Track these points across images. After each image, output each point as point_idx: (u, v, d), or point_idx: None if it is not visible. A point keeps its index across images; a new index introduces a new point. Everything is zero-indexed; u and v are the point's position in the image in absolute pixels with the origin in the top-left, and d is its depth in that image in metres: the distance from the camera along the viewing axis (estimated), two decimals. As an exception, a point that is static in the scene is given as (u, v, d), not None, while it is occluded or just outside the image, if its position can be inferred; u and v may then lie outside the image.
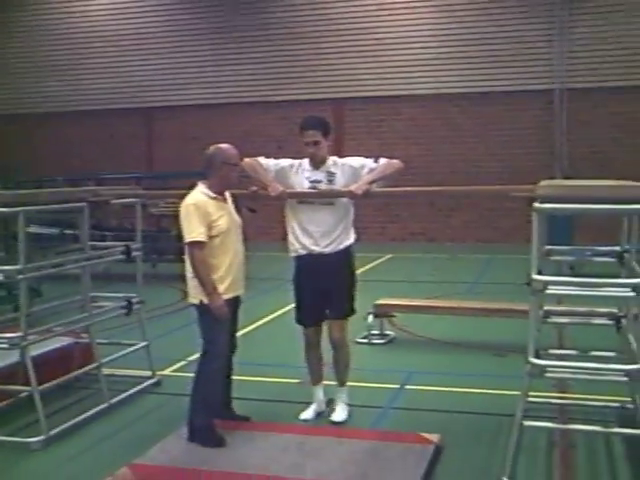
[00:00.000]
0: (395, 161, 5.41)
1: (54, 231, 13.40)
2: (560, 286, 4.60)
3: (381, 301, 8.18)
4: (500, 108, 17.95)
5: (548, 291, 4.31)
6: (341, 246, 5.37)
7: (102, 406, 5.73)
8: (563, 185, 5.13)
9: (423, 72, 18.24)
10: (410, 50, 18.30)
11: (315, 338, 5.55)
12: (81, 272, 6.04)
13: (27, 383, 5.25)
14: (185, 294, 5.12)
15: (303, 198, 5.32)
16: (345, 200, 5.30)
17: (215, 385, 4.99)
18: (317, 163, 5.33)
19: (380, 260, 15.16)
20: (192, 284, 4.91)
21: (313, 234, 5.30)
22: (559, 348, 6.24)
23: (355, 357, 7.37)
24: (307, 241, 5.33)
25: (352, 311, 5.55)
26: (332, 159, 5.37)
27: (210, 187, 4.92)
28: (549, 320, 5.21)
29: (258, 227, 16.72)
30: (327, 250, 5.30)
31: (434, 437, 4.91)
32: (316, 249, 5.31)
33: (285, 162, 5.46)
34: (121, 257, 6.42)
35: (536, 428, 4.70)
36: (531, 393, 4.46)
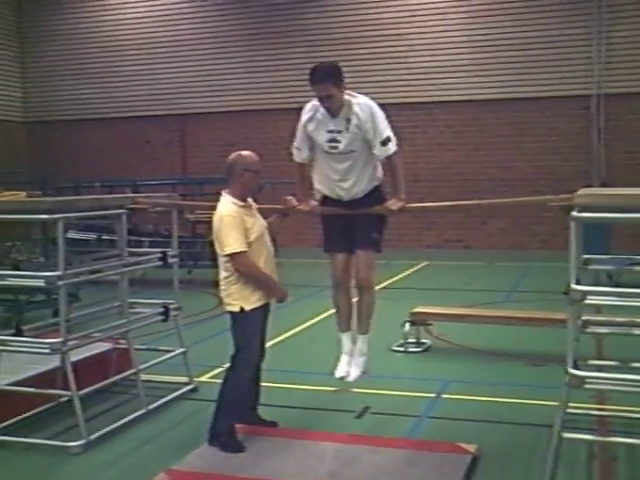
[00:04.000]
0: (399, 161, 5.02)
1: (91, 236, 13.56)
2: (599, 296, 4.54)
3: (417, 309, 8.14)
4: (536, 114, 17.80)
5: (587, 301, 4.26)
6: (371, 187, 5.10)
7: (140, 412, 5.78)
8: (601, 193, 5.06)
9: (457, 78, 18.16)
10: (444, 56, 18.24)
11: (344, 276, 5.24)
12: (119, 278, 6.11)
13: (67, 387, 5.31)
14: (221, 300, 5.16)
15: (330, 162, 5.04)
16: (362, 145, 4.92)
17: (242, 392, 5.05)
18: (335, 112, 4.90)
19: (416, 267, 15.10)
20: (229, 292, 4.98)
21: (340, 184, 5.05)
22: (598, 358, 6.16)
23: (391, 365, 7.40)
24: (336, 191, 5.12)
25: (379, 246, 5.21)
26: (348, 103, 4.88)
27: (234, 195, 4.99)
28: (588, 330, 5.14)
29: (292, 233, 16.78)
30: (359, 195, 5.07)
31: (471, 447, 4.88)
32: (345, 198, 5.10)
33: (302, 128, 5.06)
34: (158, 263, 6.49)
35: (575, 440, 4.64)
36: (570, 404, 4.41)
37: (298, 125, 5.12)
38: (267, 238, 5.14)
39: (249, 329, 4.96)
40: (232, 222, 4.86)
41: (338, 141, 4.93)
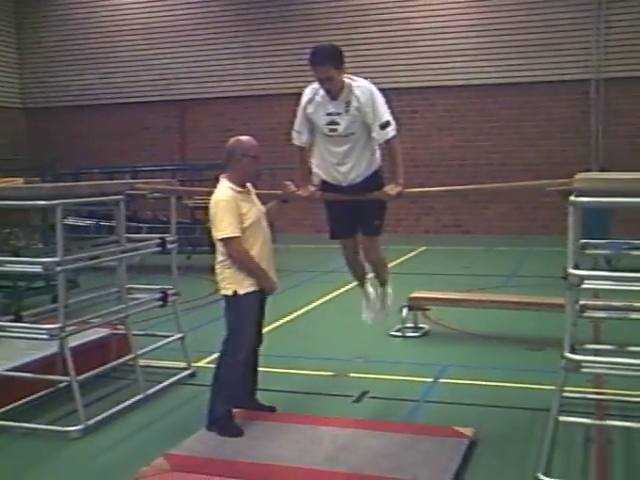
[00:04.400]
0: (398, 145, 5.04)
1: (90, 223, 13.56)
2: (597, 280, 4.54)
3: (415, 294, 8.15)
4: (535, 98, 17.74)
5: (584, 285, 4.26)
6: (369, 172, 5.16)
7: (138, 397, 5.81)
8: (599, 178, 5.05)
9: (457, 62, 18.09)
10: (443, 40, 18.14)
11: (354, 254, 5.59)
12: (117, 264, 6.11)
13: (66, 373, 5.34)
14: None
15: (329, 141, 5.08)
16: (361, 128, 4.97)
17: (237, 375, 5.06)
18: (335, 94, 4.94)
19: (414, 252, 15.10)
20: (223, 276, 5.00)
21: (338, 168, 5.11)
22: (595, 343, 6.17)
23: (389, 350, 7.43)
24: (334, 175, 5.17)
25: (380, 230, 5.40)
26: (348, 86, 4.92)
27: (232, 180, 4.99)
28: (585, 314, 5.15)
29: (291, 219, 16.76)
30: (357, 180, 5.12)
31: (468, 431, 4.90)
32: (343, 182, 5.15)
33: (302, 111, 5.10)
34: (156, 249, 6.49)
35: (572, 424, 4.65)
36: (567, 388, 4.42)
37: (298, 108, 5.13)
38: (264, 224, 5.13)
39: (242, 313, 4.97)
40: (227, 207, 4.86)
41: (337, 123, 4.96)
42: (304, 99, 5.08)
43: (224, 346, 5.04)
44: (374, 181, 5.15)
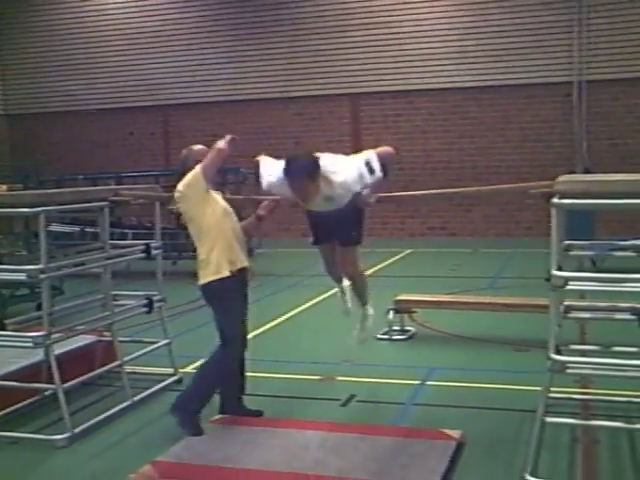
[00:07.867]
0: (387, 150, 5.13)
1: (75, 229, 13.50)
2: (580, 282, 4.57)
3: (401, 297, 8.16)
4: (519, 101, 17.83)
5: (568, 287, 4.29)
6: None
7: (125, 403, 5.78)
8: (581, 180, 5.09)
9: (441, 66, 18.15)
10: (427, 44, 18.20)
11: (333, 262, 5.57)
12: (102, 271, 6.09)
13: (51, 381, 5.30)
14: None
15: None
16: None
17: (226, 377, 5.16)
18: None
19: (400, 255, 15.13)
20: (200, 266, 5.17)
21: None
22: (581, 343, 6.20)
23: (376, 353, 7.42)
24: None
25: (359, 239, 5.41)
26: (323, 182, 4.92)
27: None
28: (570, 315, 5.18)
29: (279, 223, 16.74)
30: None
31: (456, 433, 4.90)
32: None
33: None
34: (141, 255, 6.47)
35: (558, 424, 4.68)
36: (553, 389, 4.44)
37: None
38: (234, 220, 5.26)
39: (225, 304, 5.08)
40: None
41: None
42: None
43: (220, 346, 5.11)
44: (352, 199, 5.13)
